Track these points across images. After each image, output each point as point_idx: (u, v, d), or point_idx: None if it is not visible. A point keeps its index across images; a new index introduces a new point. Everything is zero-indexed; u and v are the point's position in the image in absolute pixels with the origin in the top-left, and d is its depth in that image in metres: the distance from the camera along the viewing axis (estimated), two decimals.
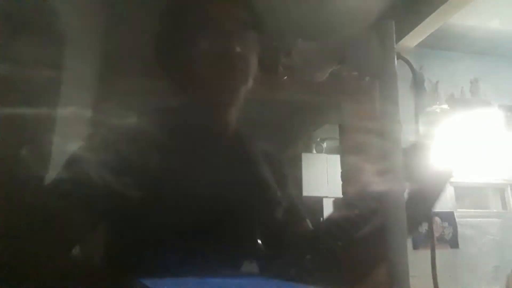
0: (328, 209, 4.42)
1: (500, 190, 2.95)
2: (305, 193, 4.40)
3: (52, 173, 0.62)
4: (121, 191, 0.59)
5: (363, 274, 0.73)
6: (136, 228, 0.62)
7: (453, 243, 2.64)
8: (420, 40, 2.57)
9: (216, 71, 0.68)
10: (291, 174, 0.87)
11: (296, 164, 4.50)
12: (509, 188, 2.91)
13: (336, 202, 4.27)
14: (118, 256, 0.67)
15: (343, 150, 2.82)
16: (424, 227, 2.53)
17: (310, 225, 0.83)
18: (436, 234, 2.57)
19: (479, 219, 2.78)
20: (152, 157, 0.62)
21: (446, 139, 0.77)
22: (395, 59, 0.47)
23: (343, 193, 2.72)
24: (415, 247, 2.38)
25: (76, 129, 1.45)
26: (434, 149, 0.68)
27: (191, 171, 0.64)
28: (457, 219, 2.69)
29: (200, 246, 0.61)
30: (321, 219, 4.29)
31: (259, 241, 0.69)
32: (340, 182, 2.74)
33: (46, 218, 0.57)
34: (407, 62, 0.51)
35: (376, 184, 0.57)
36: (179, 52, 0.71)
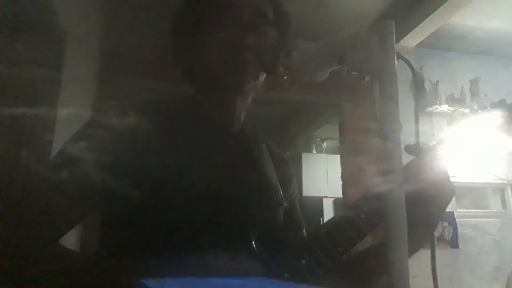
0: (328, 209, 4.43)
1: (500, 190, 2.95)
2: (305, 193, 4.40)
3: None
4: (119, 187, 0.59)
5: (361, 283, 0.71)
6: (136, 226, 0.61)
7: (453, 243, 2.64)
8: (420, 40, 2.57)
9: (227, 61, 0.66)
10: (296, 176, 0.85)
11: (296, 164, 4.50)
12: (509, 188, 2.91)
13: (341, 204, 4.25)
14: (118, 255, 0.66)
15: (343, 150, 2.82)
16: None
17: (304, 232, 0.80)
18: (436, 234, 2.57)
19: (479, 219, 2.78)
20: (155, 152, 0.61)
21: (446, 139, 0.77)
22: (395, 59, 0.47)
23: (343, 193, 2.72)
24: None
25: (76, 129, 1.44)
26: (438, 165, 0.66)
27: (195, 167, 0.63)
28: (457, 219, 2.69)
29: (196, 244, 0.59)
30: (321, 220, 4.29)
31: (253, 243, 0.64)
32: (340, 182, 2.74)
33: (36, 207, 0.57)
34: (407, 62, 0.51)
35: (376, 184, 0.56)
36: (194, 38, 0.69)
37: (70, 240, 1.78)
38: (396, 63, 0.47)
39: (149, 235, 0.60)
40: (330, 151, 4.80)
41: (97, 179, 0.58)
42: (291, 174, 0.84)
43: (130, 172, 0.59)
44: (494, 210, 2.92)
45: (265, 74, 0.70)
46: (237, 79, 0.67)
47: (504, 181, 2.88)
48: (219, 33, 0.66)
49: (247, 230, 0.66)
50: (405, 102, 0.54)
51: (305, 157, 4.65)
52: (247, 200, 0.67)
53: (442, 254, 2.56)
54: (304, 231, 0.81)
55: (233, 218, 0.64)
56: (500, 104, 0.77)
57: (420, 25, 2.37)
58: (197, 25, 0.69)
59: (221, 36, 0.66)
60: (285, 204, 0.75)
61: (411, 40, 2.55)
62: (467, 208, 2.84)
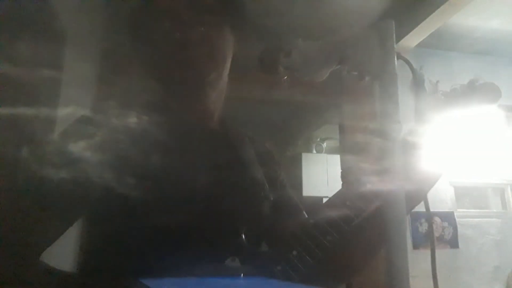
0: None
1: (500, 190, 2.95)
2: (305, 193, 4.40)
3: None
4: (104, 187, 0.59)
5: (352, 271, 0.71)
6: (123, 227, 0.61)
7: (453, 243, 2.65)
8: (420, 40, 2.57)
9: (172, 61, 0.66)
10: (284, 168, 0.84)
11: (296, 164, 4.51)
12: (509, 188, 2.92)
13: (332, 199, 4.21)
14: (118, 256, 0.66)
15: (343, 150, 2.82)
16: (424, 227, 2.53)
17: (306, 216, 0.80)
18: (436, 234, 2.57)
19: (479, 219, 2.78)
20: (137, 153, 0.61)
21: (446, 139, 0.77)
22: (395, 59, 0.47)
23: None
24: (415, 247, 2.39)
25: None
26: (420, 146, 0.66)
27: (176, 167, 0.63)
28: (457, 219, 2.69)
29: (183, 242, 0.60)
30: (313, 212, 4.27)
31: (243, 237, 0.65)
32: (340, 182, 2.74)
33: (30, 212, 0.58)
34: (407, 62, 0.51)
35: (376, 184, 0.56)
36: (148, 44, 0.70)
37: (69, 240, 1.78)
38: (396, 63, 0.47)
39: (134, 235, 0.60)
40: (330, 151, 4.80)
41: (82, 179, 0.58)
42: (276, 164, 0.83)
43: (117, 174, 0.59)
44: (494, 210, 2.92)
45: (228, 61, 0.70)
46: (193, 74, 0.67)
47: (504, 181, 2.89)
48: (162, 31, 0.66)
49: (236, 227, 0.66)
50: (405, 102, 0.54)
51: (305, 157, 4.65)
52: (234, 196, 0.67)
53: (442, 254, 2.56)
54: (304, 212, 0.80)
55: (221, 215, 0.64)
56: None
57: (420, 25, 2.37)
58: (144, 25, 0.69)
59: (164, 34, 0.66)
60: (271, 198, 0.75)
61: (411, 40, 2.55)
62: (467, 208, 2.84)
